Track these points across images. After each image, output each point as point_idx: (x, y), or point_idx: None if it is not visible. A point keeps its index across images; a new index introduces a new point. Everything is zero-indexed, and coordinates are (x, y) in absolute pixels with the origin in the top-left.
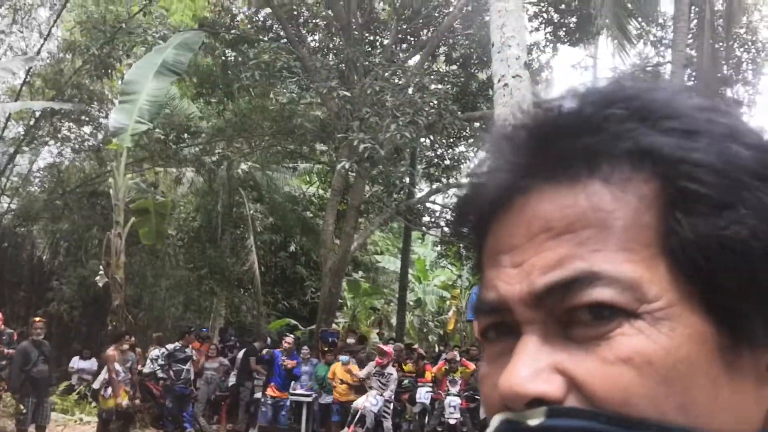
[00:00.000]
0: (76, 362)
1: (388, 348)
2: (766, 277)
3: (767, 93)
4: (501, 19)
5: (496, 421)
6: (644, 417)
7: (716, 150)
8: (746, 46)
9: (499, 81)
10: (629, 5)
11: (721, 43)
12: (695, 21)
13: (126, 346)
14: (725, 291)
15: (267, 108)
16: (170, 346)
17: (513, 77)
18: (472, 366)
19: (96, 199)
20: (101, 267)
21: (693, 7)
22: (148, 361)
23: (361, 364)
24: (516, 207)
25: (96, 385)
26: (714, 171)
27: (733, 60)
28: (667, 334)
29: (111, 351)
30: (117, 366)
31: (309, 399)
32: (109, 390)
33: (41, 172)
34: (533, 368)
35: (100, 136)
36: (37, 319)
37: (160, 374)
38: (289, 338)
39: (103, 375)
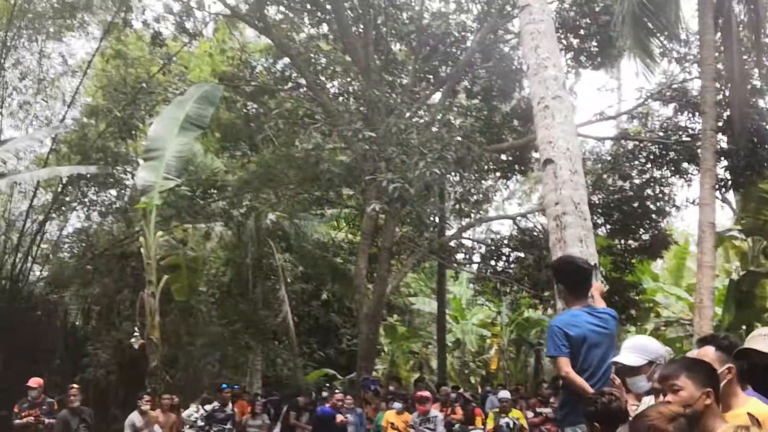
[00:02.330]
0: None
1: (425, 392)
2: None
3: None
4: (534, 41)
5: None
6: None
7: None
8: None
9: (539, 103)
10: (650, 24)
11: (748, 54)
12: (719, 33)
13: (147, 407)
14: None
15: (292, 156)
16: (209, 407)
17: (553, 98)
18: (521, 419)
19: (125, 260)
20: (136, 328)
21: (717, 20)
22: (185, 416)
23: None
24: None
25: None
26: None
27: (763, 70)
28: None
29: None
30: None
31: None
32: None
33: (70, 238)
34: None
35: (126, 198)
36: (74, 386)
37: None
38: (339, 395)
39: None
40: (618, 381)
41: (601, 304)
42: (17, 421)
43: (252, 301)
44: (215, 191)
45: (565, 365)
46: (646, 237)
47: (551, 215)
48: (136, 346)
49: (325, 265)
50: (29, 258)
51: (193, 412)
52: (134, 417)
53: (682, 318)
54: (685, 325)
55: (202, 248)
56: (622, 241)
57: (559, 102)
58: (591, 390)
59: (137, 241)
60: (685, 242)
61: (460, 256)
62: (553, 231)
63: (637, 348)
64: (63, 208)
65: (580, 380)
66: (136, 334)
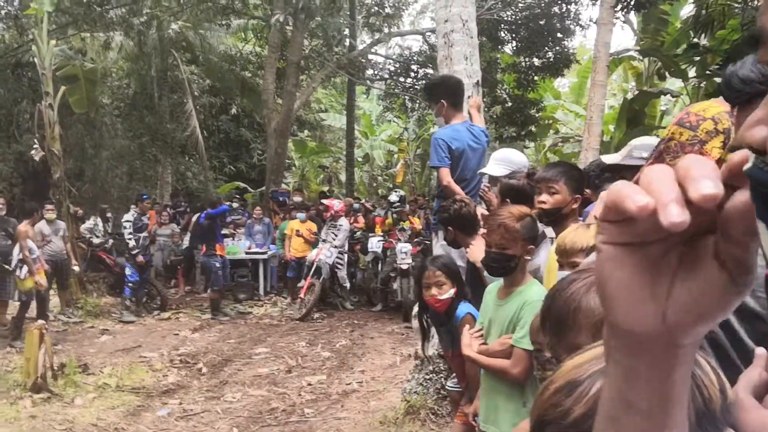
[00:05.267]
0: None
1: (330, 202)
2: None
3: None
4: None
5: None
6: None
7: None
8: None
9: None
10: None
11: None
12: None
13: (52, 215)
14: None
15: None
16: (129, 216)
17: None
18: (417, 224)
19: (21, 70)
20: (35, 140)
21: None
22: (84, 230)
23: (314, 221)
24: None
25: (11, 266)
26: None
27: None
28: None
29: (22, 226)
30: (29, 243)
31: (265, 256)
32: (25, 270)
33: None
34: None
35: (17, 2)
36: None
37: (132, 243)
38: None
39: (17, 254)
40: (490, 191)
41: (478, 119)
42: None
43: (158, 114)
44: None
45: (447, 175)
46: (550, 55)
47: (440, 32)
48: (36, 158)
49: (233, 78)
50: None
51: (92, 224)
52: (41, 225)
53: (579, 135)
54: (581, 142)
55: (102, 59)
56: (527, 59)
57: None
58: (467, 198)
59: (31, 51)
60: (588, 61)
61: (370, 72)
62: (441, 48)
63: (503, 160)
64: None
65: (459, 189)
66: (35, 146)
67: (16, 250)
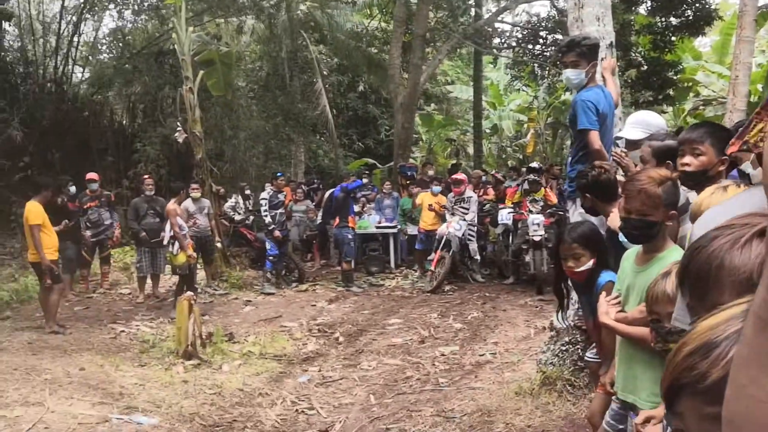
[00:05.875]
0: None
1: (460, 175)
2: None
3: None
4: None
5: None
6: None
7: None
8: None
9: None
10: None
11: None
12: None
13: (197, 194)
14: None
15: None
16: (265, 194)
17: None
18: (552, 196)
19: (163, 57)
20: (178, 123)
21: None
22: (227, 208)
23: (444, 194)
24: None
25: (164, 242)
26: None
27: None
28: None
29: (171, 205)
30: (179, 220)
31: (395, 230)
32: (177, 245)
33: (107, 39)
34: None
35: None
36: (147, 176)
37: (268, 219)
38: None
39: (168, 231)
40: (627, 156)
41: (612, 82)
42: (85, 207)
43: (290, 95)
44: None
45: (598, 139)
46: (689, 13)
47: None
48: (180, 140)
49: (360, 55)
50: (69, 60)
51: (234, 202)
52: (187, 203)
53: (722, 96)
54: (724, 104)
55: (236, 43)
56: (663, 19)
57: None
58: (607, 164)
59: (172, 38)
60: (733, 17)
61: (496, 41)
62: (571, 10)
63: (640, 123)
64: (95, 8)
65: (606, 155)
66: (179, 129)
67: (167, 227)
